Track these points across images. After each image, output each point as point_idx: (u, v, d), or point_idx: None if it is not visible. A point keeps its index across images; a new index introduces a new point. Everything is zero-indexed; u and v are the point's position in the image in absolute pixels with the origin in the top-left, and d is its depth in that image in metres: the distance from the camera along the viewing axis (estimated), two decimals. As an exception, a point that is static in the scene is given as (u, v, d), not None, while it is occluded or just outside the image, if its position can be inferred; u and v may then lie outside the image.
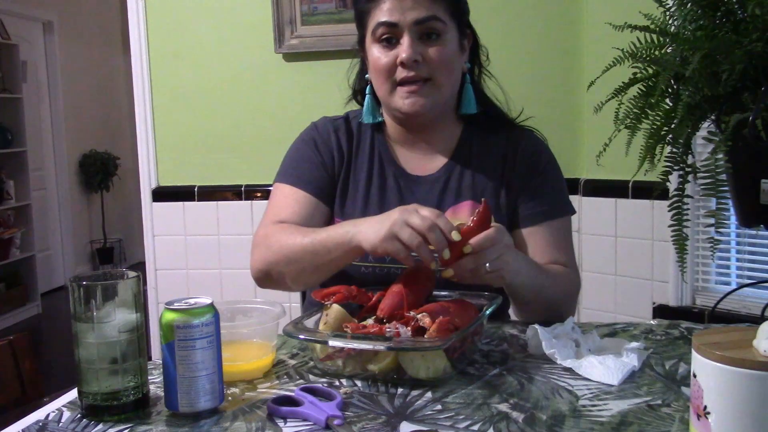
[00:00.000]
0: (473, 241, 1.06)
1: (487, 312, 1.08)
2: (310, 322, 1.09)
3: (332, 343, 0.99)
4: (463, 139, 1.40)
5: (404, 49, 1.26)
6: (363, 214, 1.33)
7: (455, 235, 1.06)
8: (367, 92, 1.38)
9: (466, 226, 1.08)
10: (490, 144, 1.39)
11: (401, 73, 1.28)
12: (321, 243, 1.20)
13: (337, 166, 1.38)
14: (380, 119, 1.40)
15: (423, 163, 1.39)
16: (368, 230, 1.11)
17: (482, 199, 1.11)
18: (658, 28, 1.08)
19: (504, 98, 1.43)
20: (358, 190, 1.37)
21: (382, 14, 1.28)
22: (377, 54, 1.30)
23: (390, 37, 1.28)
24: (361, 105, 1.42)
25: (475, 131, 1.40)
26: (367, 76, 1.37)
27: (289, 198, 1.35)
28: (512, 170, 1.37)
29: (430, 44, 1.28)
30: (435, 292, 1.18)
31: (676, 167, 1.09)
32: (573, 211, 1.41)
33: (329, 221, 1.37)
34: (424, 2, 1.26)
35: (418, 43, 1.27)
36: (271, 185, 1.40)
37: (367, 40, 1.33)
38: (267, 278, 1.30)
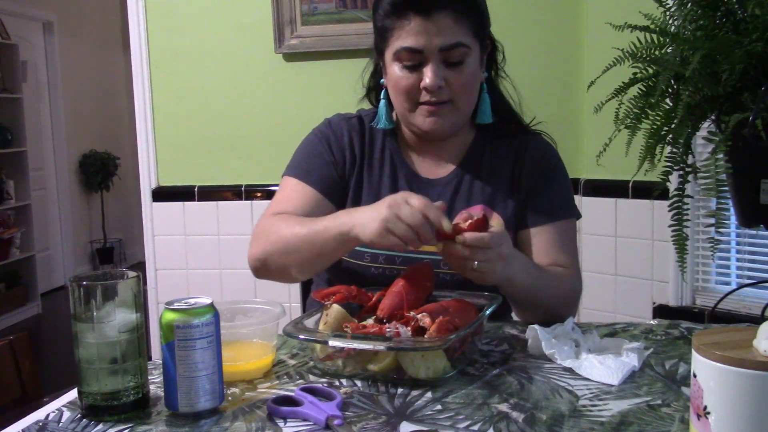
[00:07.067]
0: (468, 235, 1.06)
1: (487, 312, 1.08)
2: (310, 322, 1.09)
3: (332, 343, 1.00)
4: (476, 144, 1.40)
5: (428, 75, 1.25)
6: None
7: (446, 225, 1.06)
8: (381, 97, 1.37)
9: (459, 226, 1.09)
10: (501, 148, 1.39)
11: (424, 97, 1.27)
12: (319, 233, 1.19)
13: (348, 167, 1.38)
14: (392, 125, 1.39)
15: (435, 166, 1.39)
16: (364, 222, 1.11)
17: (482, 211, 1.10)
18: (658, 28, 1.08)
19: (518, 99, 1.43)
20: (370, 192, 1.37)
21: (406, 36, 1.24)
22: (399, 74, 1.28)
23: (413, 64, 1.26)
24: (373, 104, 1.42)
25: (488, 136, 1.41)
26: (382, 81, 1.36)
27: (295, 192, 1.35)
28: (521, 173, 1.38)
29: (453, 69, 1.26)
30: (435, 292, 1.18)
31: (676, 167, 1.09)
32: (578, 215, 1.41)
33: None
34: (450, 26, 1.23)
35: (441, 68, 1.25)
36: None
37: (387, 55, 1.30)
38: (264, 268, 1.29)
